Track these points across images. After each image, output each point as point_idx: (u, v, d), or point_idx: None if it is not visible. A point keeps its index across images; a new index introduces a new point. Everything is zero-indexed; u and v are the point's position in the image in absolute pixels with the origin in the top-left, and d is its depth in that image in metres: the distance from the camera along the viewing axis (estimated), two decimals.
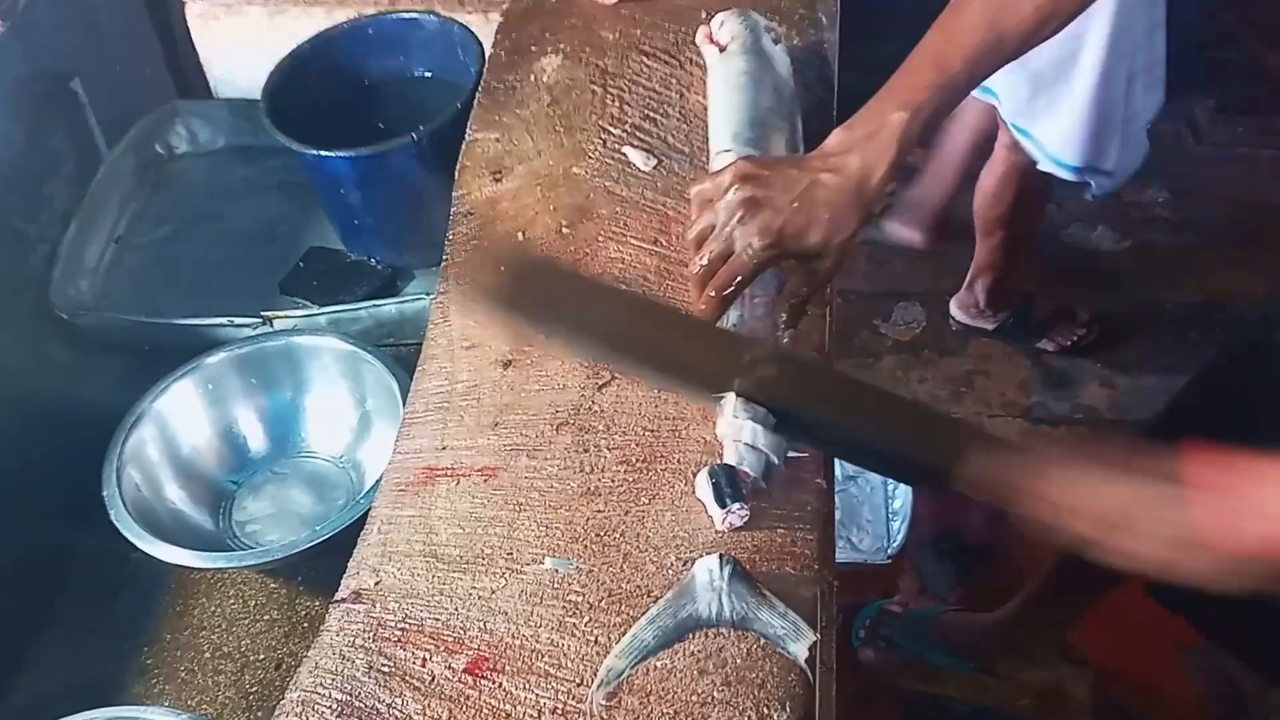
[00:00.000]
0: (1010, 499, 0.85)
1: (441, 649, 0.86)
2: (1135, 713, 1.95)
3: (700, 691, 0.81)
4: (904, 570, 2.07)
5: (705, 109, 1.21)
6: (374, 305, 1.36)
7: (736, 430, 0.89)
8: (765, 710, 0.80)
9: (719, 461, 0.90)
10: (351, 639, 0.87)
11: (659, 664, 0.83)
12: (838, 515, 1.97)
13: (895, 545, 2.01)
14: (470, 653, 0.85)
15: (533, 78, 1.29)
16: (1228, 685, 1.94)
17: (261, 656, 1.15)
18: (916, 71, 1.01)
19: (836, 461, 1.47)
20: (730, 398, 0.89)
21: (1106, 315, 2.51)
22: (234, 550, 1.21)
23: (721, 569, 0.84)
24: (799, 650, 0.83)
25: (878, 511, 2.07)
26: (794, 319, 1.01)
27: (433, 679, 0.84)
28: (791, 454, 0.93)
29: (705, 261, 0.97)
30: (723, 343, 0.95)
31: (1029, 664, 1.94)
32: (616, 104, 1.24)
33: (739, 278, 0.96)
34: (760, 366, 0.89)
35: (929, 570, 2.10)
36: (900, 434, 0.90)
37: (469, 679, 0.84)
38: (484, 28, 1.50)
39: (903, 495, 2.04)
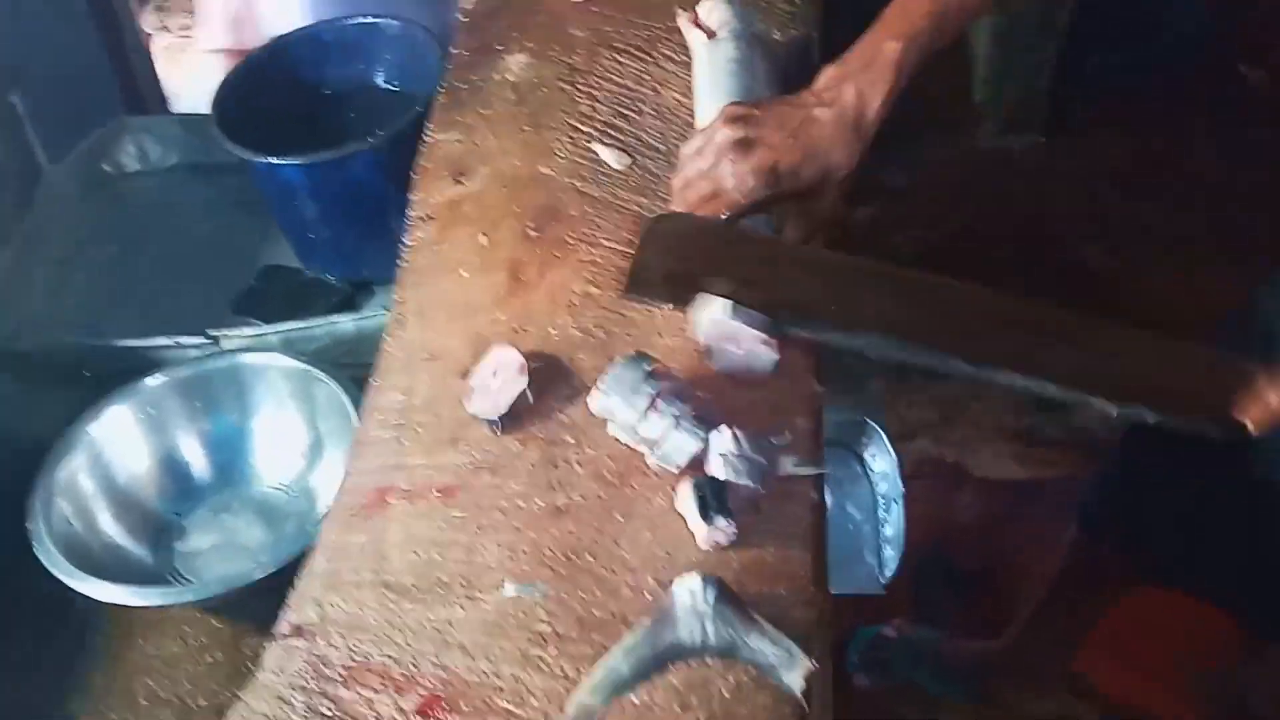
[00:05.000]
0: None
1: (390, 688, 0.78)
2: None
3: None
4: (899, 597, 2.01)
5: (681, 105, 1.16)
6: (330, 323, 1.31)
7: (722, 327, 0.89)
8: None
9: (705, 474, 0.84)
10: (290, 679, 0.80)
11: (636, 700, 0.76)
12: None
13: (889, 573, 1.94)
14: (423, 691, 0.78)
15: (497, 76, 1.24)
16: (1238, 711, 1.87)
17: (203, 702, 1.10)
18: (911, 2, 0.99)
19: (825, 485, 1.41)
20: (720, 301, 0.88)
21: None
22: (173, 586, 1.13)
23: (705, 591, 0.76)
24: (794, 680, 0.75)
25: (869, 539, 2.01)
26: None
27: None
28: (790, 470, 0.87)
29: (690, 200, 0.95)
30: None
31: (1032, 693, 1.88)
32: (587, 101, 1.19)
33: (727, 216, 0.94)
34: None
35: (925, 596, 2.04)
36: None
37: None
38: None
39: (894, 521, 1.99)
